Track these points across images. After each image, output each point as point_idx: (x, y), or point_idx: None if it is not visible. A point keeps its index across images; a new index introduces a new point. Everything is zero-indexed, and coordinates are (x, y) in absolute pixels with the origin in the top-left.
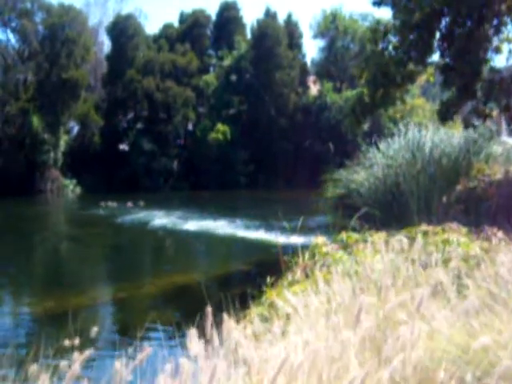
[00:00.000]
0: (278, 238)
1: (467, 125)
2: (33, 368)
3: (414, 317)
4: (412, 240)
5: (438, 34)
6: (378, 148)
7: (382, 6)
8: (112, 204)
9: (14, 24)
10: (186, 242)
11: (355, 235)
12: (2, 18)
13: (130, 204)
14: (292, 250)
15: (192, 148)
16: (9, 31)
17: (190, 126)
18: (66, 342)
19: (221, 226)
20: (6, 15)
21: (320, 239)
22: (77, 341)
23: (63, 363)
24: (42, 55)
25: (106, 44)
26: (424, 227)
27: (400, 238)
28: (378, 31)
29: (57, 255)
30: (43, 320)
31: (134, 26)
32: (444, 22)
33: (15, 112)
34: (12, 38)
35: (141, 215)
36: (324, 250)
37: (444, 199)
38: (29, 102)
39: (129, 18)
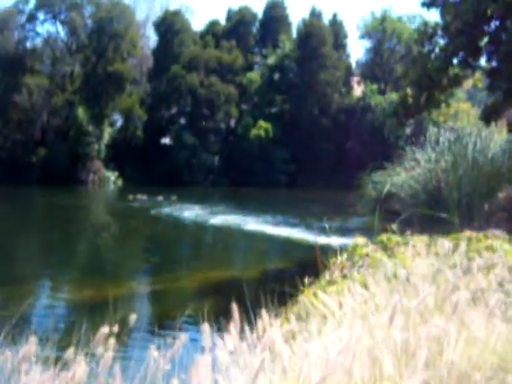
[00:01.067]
0: (317, 238)
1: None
2: (71, 352)
3: (452, 321)
4: (454, 245)
5: (485, 38)
6: (420, 151)
7: (432, 7)
8: (142, 197)
9: (63, 17)
10: (221, 238)
11: (396, 237)
12: (53, 10)
13: (160, 197)
14: (330, 250)
15: (233, 145)
16: (58, 24)
17: (232, 123)
18: (105, 329)
19: (258, 223)
20: (56, 8)
21: (360, 240)
22: (115, 328)
23: (101, 349)
24: (89, 48)
25: (152, 39)
26: (467, 233)
27: (442, 243)
28: (425, 33)
29: (94, 245)
30: (82, 307)
31: (181, 22)
32: (493, 25)
33: (61, 103)
34: (61, 31)
35: (169, 209)
36: (363, 251)
37: (486, 206)
38: (75, 94)
39: (176, 13)
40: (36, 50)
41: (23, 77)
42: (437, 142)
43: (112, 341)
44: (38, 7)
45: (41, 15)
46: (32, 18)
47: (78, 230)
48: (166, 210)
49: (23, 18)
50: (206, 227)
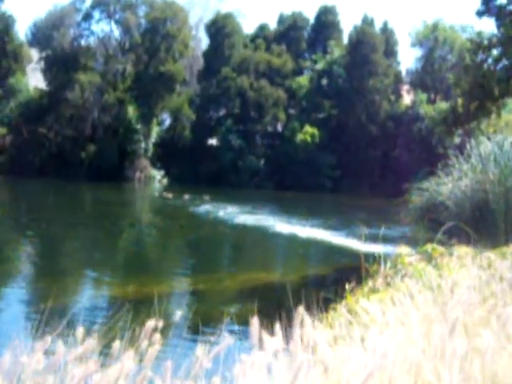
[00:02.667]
0: (360, 245)
1: None
2: (116, 345)
3: (496, 334)
4: (501, 258)
5: None
6: (467, 162)
7: (486, 16)
8: (167, 195)
9: (117, 16)
10: (263, 240)
11: (440, 248)
12: (107, 10)
13: (186, 196)
14: (373, 258)
15: (279, 148)
16: (112, 23)
17: (279, 127)
18: (150, 324)
19: (301, 228)
20: (111, 8)
21: (404, 249)
22: (160, 324)
23: (145, 344)
24: (141, 48)
25: (203, 41)
26: None
27: (488, 255)
28: (478, 43)
29: (138, 242)
30: (125, 303)
31: (233, 24)
32: None
33: (112, 101)
34: (115, 30)
35: (211, 209)
36: (407, 260)
37: None
38: (126, 93)
39: (228, 16)
40: (90, 48)
41: (76, 74)
42: (485, 152)
43: (157, 336)
44: (93, 6)
45: (96, 14)
46: (88, 16)
47: (120, 227)
48: (207, 209)
49: (79, 17)
50: (248, 229)
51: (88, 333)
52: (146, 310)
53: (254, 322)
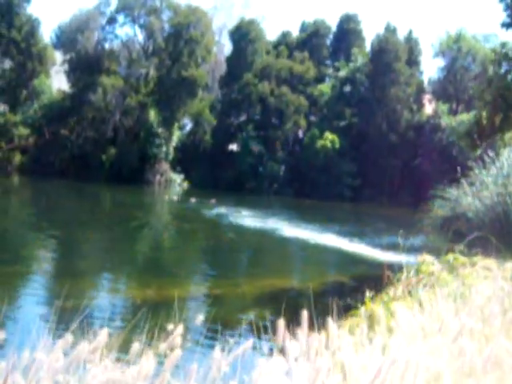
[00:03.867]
0: (380, 254)
1: None
2: (136, 347)
3: None
4: None
5: None
6: (488, 173)
7: (511, 28)
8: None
9: (141, 21)
10: (282, 247)
11: (463, 258)
12: (132, 14)
13: (193, 199)
14: (393, 267)
15: (299, 155)
16: (136, 27)
17: (300, 134)
18: (170, 327)
19: (320, 235)
20: (135, 12)
21: (426, 257)
22: (179, 328)
23: (164, 347)
24: (165, 52)
25: (226, 46)
26: None
27: (510, 268)
28: (502, 53)
29: (157, 244)
30: (143, 306)
31: (256, 31)
32: None
33: (134, 105)
34: (139, 34)
35: (229, 215)
36: (430, 269)
37: None
38: (148, 96)
39: (251, 23)
40: (113, 52)
41: (99, 77)
42: (506, 165)
43: (177, 339)
44: (118, 10)
45: (120, 18)
46: (112, 20)
47: (139, 229)
48: (226, 215)
49: (104, 20)
50: (266, 235)
51: (107, 334)
52: (164, 314)
53: (280, 324)
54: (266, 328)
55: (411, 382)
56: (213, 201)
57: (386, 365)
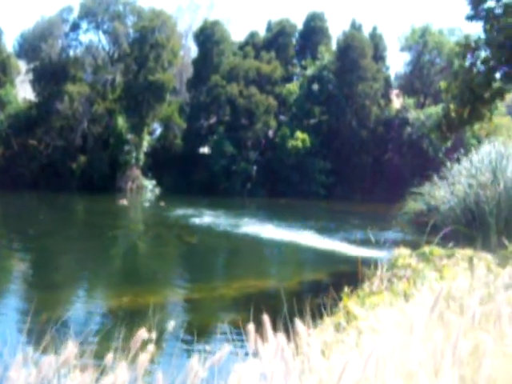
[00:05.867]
0: (355, 250)
1: None
2: (110, 357)
3: (493, 336)
4: (499, 260)
5: None
6: (459, 166)
7: (475, 20)
8: (161, 204)
9: (105, 26)
10: (257, 248)
11: (438, 250)
12: (95, 20)
13: (162, 203)
14: (368, 262)
15: (271, 155)
16: (101, 33)
17: (271, 134)
18: (144, 335)
19: (295, 234)
20: (99, 18)
21: (402, 250)
22: (154, 335)
23: (140, 355)
24: (130, 57)
25: (193, 49)
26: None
27: (486, 257)
28: (467, 46)
29: (132, 252)
30: (118, 314)
31: (221, 32)
32: None
33: (102, 111)
34: (103, 40)
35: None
36: (406, 261)
37: None
38: (115, 103)
39: (216, 24)
40: (78, 59)
41: (65, 85)
42: (477, 156)
43: (151, 347)
44: (81, 17)
45: (84, 24)
46: (75, 27)
47: (112, 237)
48: (199, 218)
49: (67, 27)
50: (240, 237)
51: (82, 345)
52: (141, 321)
53: (250, 329)
54: (243, 331)
55: (383, 378)
56: (162, 203)
57: (357, 362)
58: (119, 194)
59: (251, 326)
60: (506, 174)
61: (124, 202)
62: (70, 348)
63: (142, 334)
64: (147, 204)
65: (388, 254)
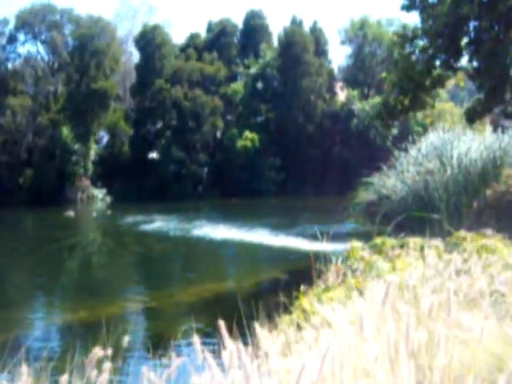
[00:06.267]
0: (310, 245)
1: (496, 127)
2: (64, 378)
3: (446, 324)
4: (448, 246)
5: (466, 38)
6: (407, 154)
7: (411, 9)
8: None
9: (43, 36)
10: (212, 250)
11: (390, 240)
12: (32, 31)
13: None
14: (323, 256)
15: (220, 156)
16: (39, 43)
17: (219, 134)
18: (100, 352)
19: (249, 234)
20: (36, 28)
21: (355, 244)
22: (109, 351)
23: (95, 373)
24: (71, 66)
25: (134, 54)
26: (461, 234)
27: (437, 245)
28: (405, 36)
29: (84, 264)
30: (76, 329)
31: (162, 35)
32: (472, 26)
33: (46, 123)
34: (42, 51)
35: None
36: (359, 254)
37: (474, 205)
38: (59, 113)
39: (156, 28)
40: (18, 71)
41: (6, 98)
42: (423, 143)
43: (107, 364)
44: (18, 28)
45: (21, 36)
46: (12, 39)
47: (63, 250)
48: (151, 224)
49: (3, 40)
50: (194, 240)
51: (37, 364)
52: (98, 335)
53: (196, 341)
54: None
55: (341, 377)
56: (68, 213)
57: (315, 361)
58: (69, 205)
59: (196, 339)
60: (453, 160)
61: (70, 213)
62: (24, 371)
63: (97, 352)
64: (94, 214)
65: (342, 247)
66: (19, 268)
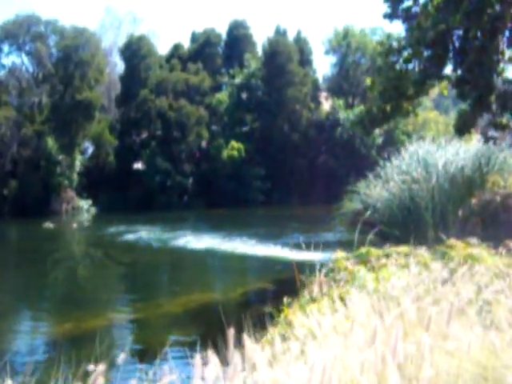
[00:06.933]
0: (296, 255)
1: (487, 138)
2: None
3: (432, 334)
4: (434, 255)
5: (450, 48)
6: (392, 162)
7: (394, 19)
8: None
9: (28, 47)
10: (198, 261)
11: (375, 250)
12: (17, 42)
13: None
14: (309, 266)
15: (206, 166)
16: (23, 55)
17: (204, 144)
18: (89, 367)
19: (235, 244)
20: (20, 39)
21: (340, 254)
22: (98, 365)
23: None
24: (55, 77)
25: (119, 65)
26: (448, 242)
27: (422, 254)
28: (388, 45)
29: (71, 276)
30: (62, 342)
31: (147, 46)
32: (456, 35)
33: (30, 134)
34: (26, 62)
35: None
36: (343, 264)
37: (460, 213)
38: (43, 125)
39: (141, 39)
40: (1, 82)
41: None
42: (407, 152)
43: (94, 376)
44: (1, 39)
45: (5, 47)
46: None
47: (48, 263)
48: (136, 235)
49: None
50: (179, 251)
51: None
52: (84, 349)
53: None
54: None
55: None
56: (47, 224)
57: (302, 372)
58: (53, 216)
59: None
60: (438, 168)
61: (49, 225)
62: None
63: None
64: (75, 225)
65: (328, 257)
66: (3, 281)
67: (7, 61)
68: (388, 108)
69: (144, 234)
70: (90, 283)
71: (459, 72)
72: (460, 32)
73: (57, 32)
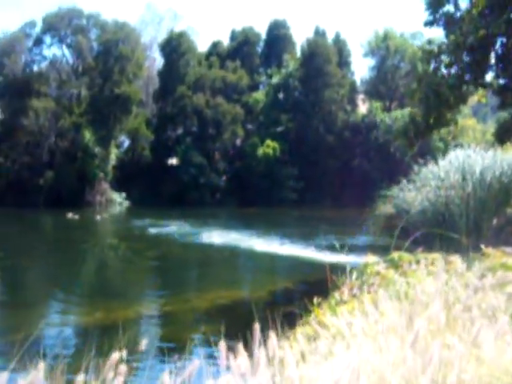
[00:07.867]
0: (326, 257)
1: None
2: (81, 378)
3: (462, 341)
4: (467, 263)
5: (493, 55)
6: (428, 168)
7: (434, 26)
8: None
9: (69, 40)
10: (230, 258)
11: (407, 255)
12: (59, 34)
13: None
14: (340, 269)
15: (240, 164)
16: (64, 47)
17: (238, 143)
18: (115, 355)
19: (267, 243)
20: (62, 32)
21: (371, 258)
22: (124, 353)
23: (111, 375)
24: (95, 71)
25: (158, 60)
26: (488, 250)
27: (455, 261)
28: (429, 51)
29: (102, 267)
30: (92, 331)
31: (187, 43)
32: (500, 42)
33: (68, 126)
34: (67, 54)
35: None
36: (374, 269)
37: (494, 221)
38: (81, 117)
39: (181, 35)
40: (42, 74)
41: (30, 100)
42: (445, 159)
43: (123, 366)
44: (44, 31)
45: (47, 39)
46: (39, 41)
47: (81, 253)
48: (169, 230)
49: (30, 42)
50: (212, 247)
51: (54, 364)
52: (113, 338)
53: (221, 346)
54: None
55: None
56: (71, 215)
57: (331, 372)
58: (88, 208)
59: (222, 343)
60: (475, 175)
61: (74, 216)
62: (40, 368)
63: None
64: (98, 217)
65: (359, 260)
66: (38, 269)
67: (48, 53)
68: (431, 119)
69: (176, 228)
70: (121, 274)
71: (501, 80)
72: (503, 39)
73: (98, 26)
